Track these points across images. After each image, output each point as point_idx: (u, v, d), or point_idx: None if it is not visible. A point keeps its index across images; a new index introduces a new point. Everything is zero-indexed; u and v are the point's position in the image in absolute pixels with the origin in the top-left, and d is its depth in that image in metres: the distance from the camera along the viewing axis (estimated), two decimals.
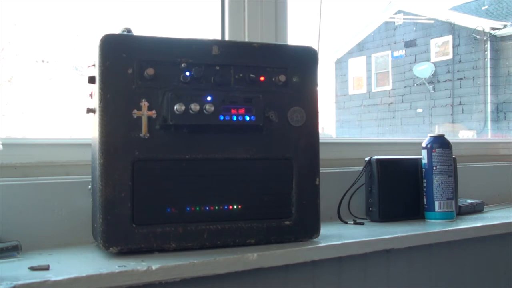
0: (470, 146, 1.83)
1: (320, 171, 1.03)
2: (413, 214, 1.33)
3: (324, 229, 1.06)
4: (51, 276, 0.77)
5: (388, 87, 6.74)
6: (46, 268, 0.82)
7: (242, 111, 0.96)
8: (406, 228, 1.20)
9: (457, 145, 1.47)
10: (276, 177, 1.00)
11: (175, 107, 0.92)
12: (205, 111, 0.94)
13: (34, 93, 1.41)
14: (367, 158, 1.32)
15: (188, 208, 0.94)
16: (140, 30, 0.95)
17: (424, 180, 1.31)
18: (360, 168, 1.34)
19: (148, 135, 0.92)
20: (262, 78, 0.99)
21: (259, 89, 0.99)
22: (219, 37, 1.35)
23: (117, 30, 0.94)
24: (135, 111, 0.91)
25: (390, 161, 1.33)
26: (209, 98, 0.94)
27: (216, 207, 0.96)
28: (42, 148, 1.10)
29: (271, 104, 0.99)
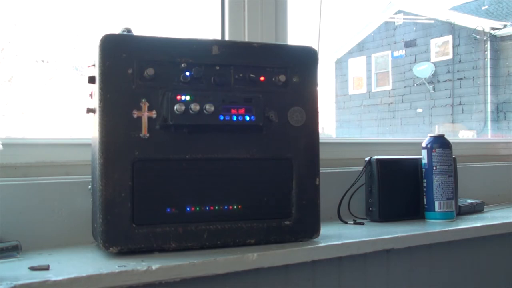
0: (470, 146, 1.83)
1: (320, 171, 1.03)
2: (413, 214, 1.33)
3: (324, 229, 1.06)
4: (51, 276, 0.77)
5: (388, 87, 6.74)
6: (46, 268, 0.82)
7: (242, 111, 0.96)
8: (406, 228, 1.20)
9: (457, 145, 1.47)
10: (276, 177, 1.00)
11: (175, 107, 0.92)
12: (205, 111, 0.94)
13: (34, 93, 1.41)
14: (367, 158, 1.32)
15: (188, 208, 0.94)
16: (140, 30, 0.95)
17: (424, 180, 1.31)
18: (360, 168, 1.34)
19: (148, 135, 0.92)
20: (262, 78, 1.00)
21: (259, 89, 0.99)
22: (219, 37, 1.35)
23: (117, 30, 0.94)
24: (135, 111, 0.91)
25: (390, 161, 1.33)
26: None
27: (216, 207, 0.96)
28: (42, 148, 1.10)
29: (271, 104, 0.99)
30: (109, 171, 0.90)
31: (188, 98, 0.93)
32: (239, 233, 0.97)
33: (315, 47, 1.05)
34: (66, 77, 1.44)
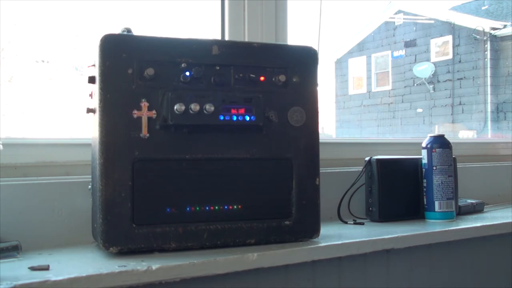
0: (470, 146, 1.83)
1: (320, 171, 1.03)
2: (413, 214, 1.33)
3: (324, 229, 1.06)
4: (51, 276, 0.77)
5: (388, 87, 6.74)
6: (46, 268, 0.82)
7: (242, 111, 0.96)
8: (406, 228, 1.20)
9: (457, 145, 1.47)
10: (276, 177, 1.00)
11: (175, 107, 0.92)
12: (205, 111, 0.94)
13: (34, 93, 1.41)
14: (367, 158, 1.32)
15: (188, 208, 0.94)
16: (140, 30, 0.95)
17: (424, 180, 1.31)
18: (360, 168, 1.33)
19: (148, 135, 0.92)
20: (262, 78, 0.99)
21: (259, 89, 0.99)
22: (219, 37, 1.35)
23: (117, 30, 0.94)
24: (135, 111, 0.91)
25: (390, 161, 1.33)
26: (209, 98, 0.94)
27: (216, 207, 0.96)
28: (42, 148, 1.10)
29: (271, 104, 0.99)
30: (109, 171, 0.90)
31: (188, 98, 0.93)
32: (239, 233, 0.97)
33: (315, 47, 1.05)
34: (66, 77, 1.44)
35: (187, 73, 0.94)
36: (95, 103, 0.93)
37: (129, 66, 0.91)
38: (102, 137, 0.90)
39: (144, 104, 0.92)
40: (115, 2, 1.38)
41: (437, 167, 1.29)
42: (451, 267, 1.28)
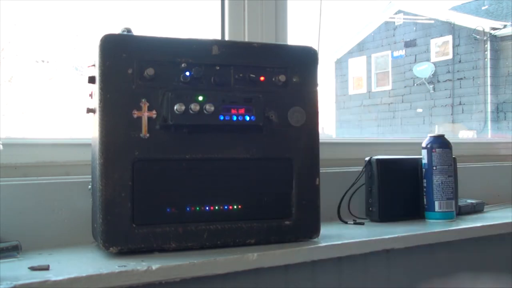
0: (470, 146, 1.83)
1: (320, 171, 1.03)
2: (413, 214, 1.33)
3: (324, 229, 1.06)
4: (51, 276, 0.77)
5: (388, 87, 6.75)
6: (46, 268, 0.82)
7: (242, 111, 0.96)
8: (406, 228, 1.20)
9: (457, 145, 1.47)
10: (276, 177, 1.00)
11: (175, 107, 0.92)
12: (205, 111, 0.94)
13: (34, 93, 1.41)
14: (367, 158, 1.32)
15: (188, 208, 0.94)
16: (140, 30, 0.95)
17: (424, 180, 1.31)
18: (360, 168, 1.33)
19: (148, 135, 0.92)
20: (262, 78, 0.99)
21: (259, 89, 0.99)
22: (219, 37, 1.35)
23: (117, 30, 0.94)
24: (135, 111, 0.91)
25: (390, 161, 1.33)
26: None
27: (216, 207, 0.96)
28: (42, 148, 1.10)
29: (271, 104, 0.99)
30: (109, 171, 0.90)
31: (188, 98, 0.93)
32: (239, 233, 0.97)
33: (315, 47, 1.05)
34: (66, 77, 1.44)
35: (187, 73, 0.94)
36: (95, 103, 0.93)
37: (129, 66, 0.91)
38: (102, 137, 0.90)
39: (144, 104, 0.92)
40: (115, 2, 1.38)
41: (437, 167, 1.29)
42: (451, 267, 1.28)
